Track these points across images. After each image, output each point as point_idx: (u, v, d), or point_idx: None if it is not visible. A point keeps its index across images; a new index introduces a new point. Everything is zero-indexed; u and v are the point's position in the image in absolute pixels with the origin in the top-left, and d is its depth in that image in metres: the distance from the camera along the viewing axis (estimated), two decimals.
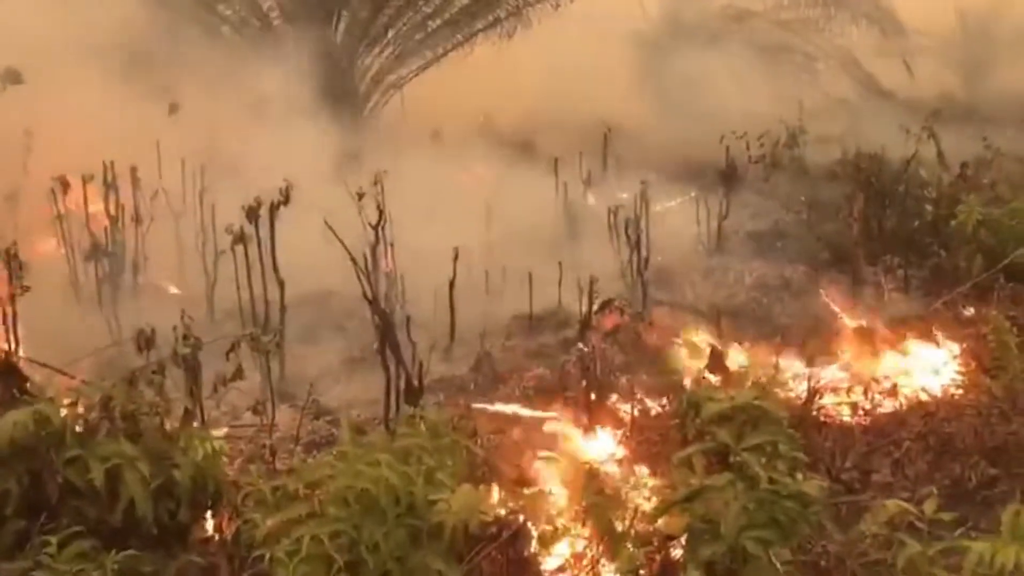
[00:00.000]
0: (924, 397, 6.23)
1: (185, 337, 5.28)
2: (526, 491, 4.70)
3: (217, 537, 4.48)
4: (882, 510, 4.19)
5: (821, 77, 15.17)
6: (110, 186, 8.24)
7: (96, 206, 8.24)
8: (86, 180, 8.08)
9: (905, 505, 4.14)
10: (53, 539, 3.87)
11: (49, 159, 8.32)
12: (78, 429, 4.35)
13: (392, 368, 5.90)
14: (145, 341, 5.44)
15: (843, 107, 13.86)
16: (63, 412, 4.28)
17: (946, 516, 4.03)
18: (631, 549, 3.96)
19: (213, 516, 4.50)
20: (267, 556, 4.01)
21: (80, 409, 4.39)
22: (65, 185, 8.05)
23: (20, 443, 4.07)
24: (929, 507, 3.98)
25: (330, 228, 5.90)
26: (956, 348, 6.70)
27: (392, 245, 7.69)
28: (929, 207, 8.72)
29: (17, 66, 9.23)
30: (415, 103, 12.69)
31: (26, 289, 5.98)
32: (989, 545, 3.43)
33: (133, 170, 8.33)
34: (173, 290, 8.12)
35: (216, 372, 5.59)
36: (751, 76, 14.78)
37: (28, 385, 4.51)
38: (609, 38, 13.82)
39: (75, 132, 8.76)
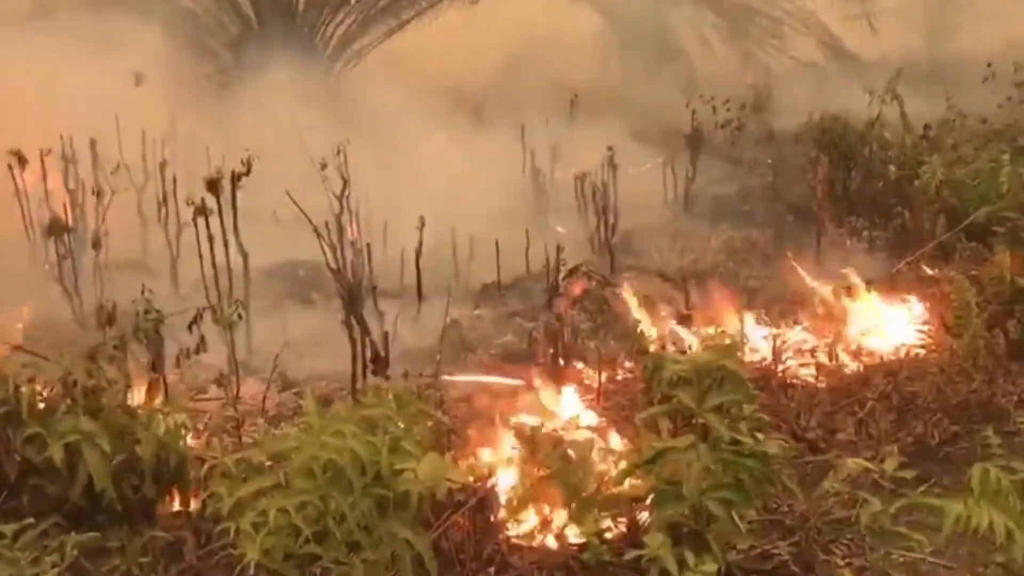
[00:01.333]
0: (888, 356, 6.29)
1: (146, 311, 5.21)
2: (493, 458, 4.71)
3: (183, 511, 4.46)
4: (844, 468, 4.24)
5: (787, 40, 15.15)
6: (69, 160, 8.12)
7: (55, 181, 8.12)
8: (44, 154, 7.95)
9: (866, 463, 4.19)
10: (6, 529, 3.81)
11: (6, 133, 8.17)
12: (38, 406, 4.31)
13: (358, 339, 5.87)
14: (106, 316, 5.38)
15: (809, 70, 13.88)
16: (21, 389, 4.23)
17: (907, 474, 4.09)
18: (596, 513, 3.98)
19: (178, 491, 4.47)
20: (233, 529, 4.00)
21: (39, 386, 4.34)
22: (22, 160, 7.92)
23: None
24: (889, 465, 4.03)
25: (291, 199, 5.84)
26: (919, 308, 6.76)
27: (357, 215, 7.63)
28: (893, 168, 8.75)
29: None
30: (379, 71, 12.56)
31: None
32: (963, 506, 3.47)
33: (92, 143, 8.21)
34: (135, 264, 8.03)
35: (180, 345, 5.55)
36: (717, 40, 14.77)
37: None
38: (574, 2, 13.73)
39: (33, 105, 8.61)
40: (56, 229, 7.64)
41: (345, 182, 7.34)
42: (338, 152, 7.41)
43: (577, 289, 7.21)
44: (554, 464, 4.37)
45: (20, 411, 4.14)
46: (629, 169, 9.46)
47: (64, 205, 7.81)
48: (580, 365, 6.19)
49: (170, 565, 4.22)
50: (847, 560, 4.33)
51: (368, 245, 7.63)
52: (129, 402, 4.67)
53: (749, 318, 6.56)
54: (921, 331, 6.37)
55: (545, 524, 4.29)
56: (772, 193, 9.74)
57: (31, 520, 3.88)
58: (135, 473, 4.32)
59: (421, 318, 7.43)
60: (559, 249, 7.22)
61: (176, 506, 4.50)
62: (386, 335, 6.09)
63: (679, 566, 3.56)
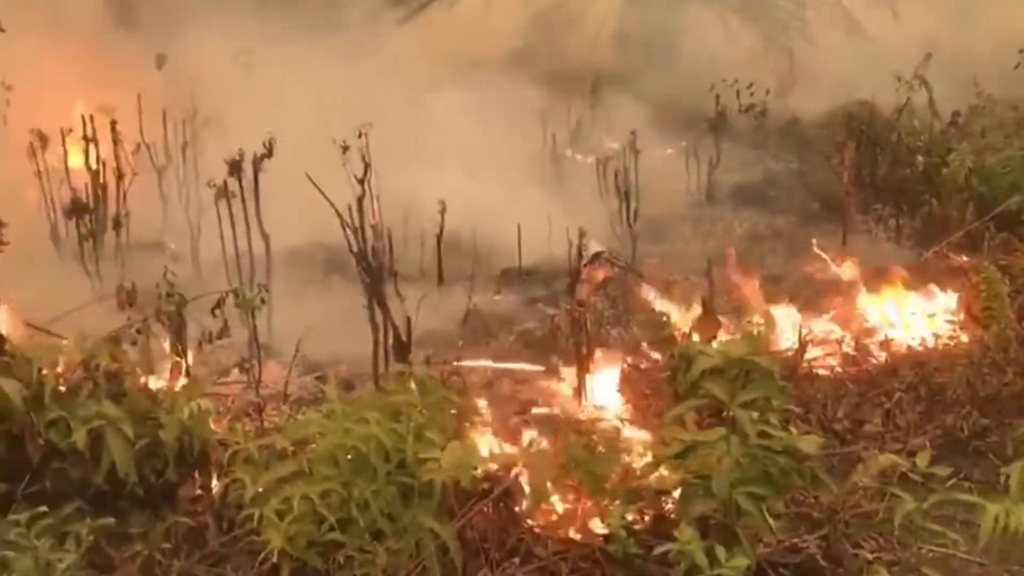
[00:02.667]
0: (915, 347, 6.21)
1: (169, 294, 5.19)
2: (516, 447, 4.67)
3: (205, 497, 4.44)
4: (874, 462, 4.17)
5: (810, 25, 14.96)
6: (90, 140, 8.09)
7: (77, 161, 8.10)
8: (65, 134, 7.92)
9: (898, 459, 4.12)
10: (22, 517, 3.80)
11: (29, 113, 8.15)
12: (60, 389, 4.29)
13: (380, 323, 5.83)
14: (127, 297, 5.36)
15: (833, 55, 13.69)
16: (44, 372, 4.21)
17: (940, 470, 4.02)
18: (621, 505, 3.93)
19: (201, 476, 4.45)
20: (257, 515, 3.97)
21: (61, 369, 4.32)
22: (44, 139, 7.90)
23: None
24: (921, 460, 3.96)
25: (312, 182, 5.78)
26: (948, 298, 6.67)
27: (378, 198, 7.58)
28: (920, 156, 8.62)
29: None
30: (399, 55, 12.48)
31: (5, 244, 5.88)
32: (1002, 507, 3.40)
33: (113, 123, 8.17)
34: (156, 246, 8.01)
35: (202, 329, 5.53)
36: (739, 23, 14.59)
37: (7, 345, 4.42)
38: None
39: (56, 85, 8.58)
40: (77, 209, 7.63)
41: (366, 165, 7.29)
42: (360, 135, 7.35)
43: (599, 275, 7.15)
44: (577, 454, 4.32)
45: (43, 394, 4.12)
46: (651, 153, 9.38)
47: (85, 185, 7.79)
48: (602, 352, 6.14)
49: (193, 551, 4.20)
50: (876, 554, 4.27)
51: (389, 229, 7.60)
52: (151, 386, 4.65)
53: (774, 307, 6.49)
54: (950, 321, 6.27)
55: (570, 515, 4.25)
56: (796, 180, 9.62)
57: (44, 508, 3.86)
58: (158, 458, 4.29)
59: (442, 302, 7.38)
60: (581, 234, 7.15)
61: (198, 491, 4.48)
62: (408, 320, 6.05)
63: (709, 560, 3.51)
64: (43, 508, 3.86)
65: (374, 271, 6.13)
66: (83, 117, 8.02)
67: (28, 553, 3.72)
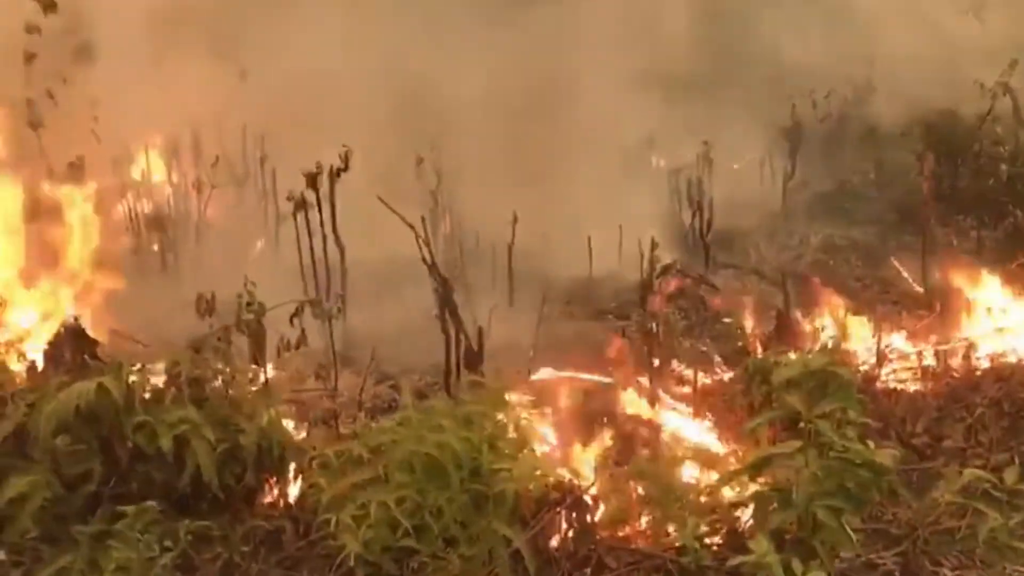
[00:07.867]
0: (999, 361, 6.05)
1: (248, 303, 5.30)
2: (588, 457, 4.68)
3: (283, 501, 4.53)
4: (957, 478, 4.08)
5: (889, 31, 14.67)
6: (172, 154, 8.34)
7: (160, 175, 8.35)
8: (148, 149, 8.18)
9: (984, 474, 4.02)
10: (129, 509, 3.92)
11: (116, 128, 8.41)
12: (146, 395, 4.43)
13: (452, 333, 5.88)
14: (207, 306, 5.48)
15: (913, 62, 13.41)
16: (132, 378, 4.35)
17: None
18: (694, 518, 3.91)
19: (278, 481, 4.54)
20: (333, 520, 4.04)
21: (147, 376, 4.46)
22: (129, 154, 8.17)
23: (90, 409, 4.14)
24: (1010, 477, 3.86)
25: (382, 201, 5.85)
26: None
27: (450, 209, 7.65)
28: (1004, 166, 8.41)
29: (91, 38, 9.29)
30: (464, 65, 12.56)
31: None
32: None
33: (195, 138, 8.40)
34: (235, 257, 8.19)
35: (280, 337, 5.64)
36: (816, 31, 14.37)
37: (98, 350, 4.58)
38: None
39: (142, 101, 8.83)
40: (159, 221, 7.86)
41: (439, 177, 7.38)
42: (432, 148, 7.44)
43: (672, 286, 7.11)
44: (648, 466, 4.31)
45: (133, 399, 4.25)
46: (726, 163, 9.29)
47: (167, 198, 8.02)
48: (675, 364, 6.10)
49: (270, 554, 4.28)
50: (957, 572, 4.17)
51: (461, 240, 7.66)
52: (231, 393, 4.76)
53: (852, 320, 6.38)
54: None
55: (643, 526, 4.24)
56: (874, 190, 9.45)
57: (152, 503, 3.98)
58: (237, 462, 4.39)
59: (513, 313, 7.41)
60: (653, 245, 7.11)
61: (276, 496, 4.57)
62: (480, 330, 6.09)
63: (785, 574, 3.46)
64: (151, 503, 3.98)
65: (446, 281, 6.19)
66: (165, 132, 8.28)
67: (132, 546, 3.83)
